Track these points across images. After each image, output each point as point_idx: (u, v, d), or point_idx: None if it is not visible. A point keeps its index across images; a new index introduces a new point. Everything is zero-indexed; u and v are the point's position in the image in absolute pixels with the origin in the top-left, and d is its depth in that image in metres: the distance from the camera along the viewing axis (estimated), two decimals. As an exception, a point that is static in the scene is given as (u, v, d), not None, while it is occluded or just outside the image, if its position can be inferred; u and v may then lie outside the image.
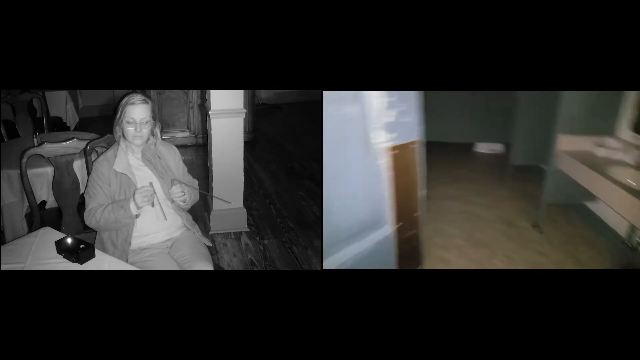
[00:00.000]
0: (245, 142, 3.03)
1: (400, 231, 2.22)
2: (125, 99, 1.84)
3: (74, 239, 1.68)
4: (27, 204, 2.38)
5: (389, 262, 2.19)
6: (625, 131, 2.97)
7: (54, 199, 2.35)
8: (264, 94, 6.65)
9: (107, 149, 2.00)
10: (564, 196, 3.10)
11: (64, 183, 2.25)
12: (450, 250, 2.92)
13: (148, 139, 1.91)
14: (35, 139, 2.58)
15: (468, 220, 3.38)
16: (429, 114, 2.49)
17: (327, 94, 1.75)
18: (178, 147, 2.14)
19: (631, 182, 2.32)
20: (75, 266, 1.60)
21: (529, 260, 2.78)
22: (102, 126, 4.19)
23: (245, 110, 2.94)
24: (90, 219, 1.85)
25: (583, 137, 2.96)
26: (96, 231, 1.95)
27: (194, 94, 4.82)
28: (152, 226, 1.92)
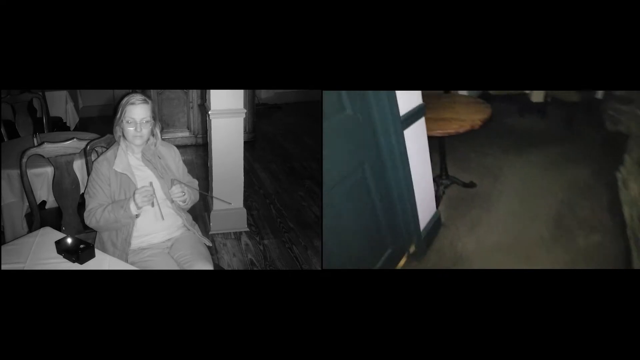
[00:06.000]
0: (245, 142, 3.03)
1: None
2: (125, 99, 1.84)
3: (74, 239, 1.68)
4: (27, 204, 2.38)
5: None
6: None
7: (54, 199, 2.35)
8: (264, 94, 6.65)
9: (107, 149, 2.00)
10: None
11: (64, 183, 2.25)
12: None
13: (148, 139, 1.91)
14: (35, 139, 2.58)
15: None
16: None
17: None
18: (178, 147, 2.14)
19: None
20: (75, 266, 1.60)
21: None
22: (102, 126, 4.19)
23: (245, 110, 2.94)
24: (90, 219, 1.85)
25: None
26: (96, 231, 1.95)
27: (194, 94, 4.82)
28: (152, 226, 1.92)
